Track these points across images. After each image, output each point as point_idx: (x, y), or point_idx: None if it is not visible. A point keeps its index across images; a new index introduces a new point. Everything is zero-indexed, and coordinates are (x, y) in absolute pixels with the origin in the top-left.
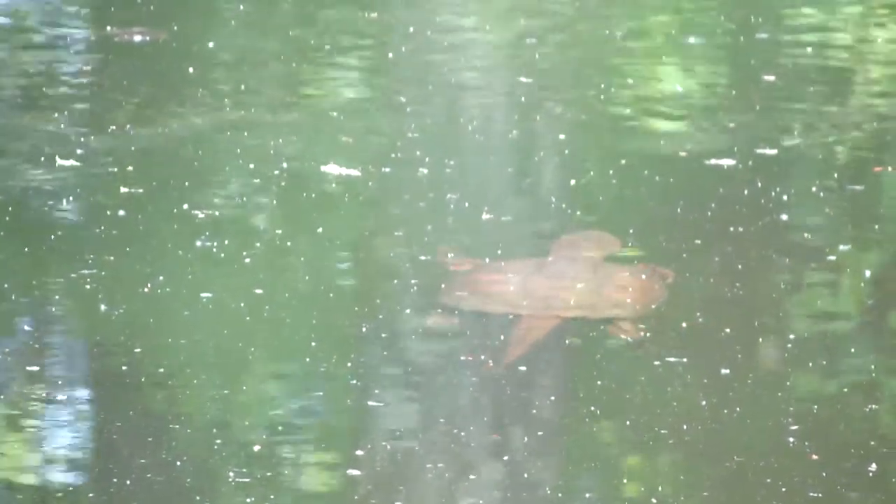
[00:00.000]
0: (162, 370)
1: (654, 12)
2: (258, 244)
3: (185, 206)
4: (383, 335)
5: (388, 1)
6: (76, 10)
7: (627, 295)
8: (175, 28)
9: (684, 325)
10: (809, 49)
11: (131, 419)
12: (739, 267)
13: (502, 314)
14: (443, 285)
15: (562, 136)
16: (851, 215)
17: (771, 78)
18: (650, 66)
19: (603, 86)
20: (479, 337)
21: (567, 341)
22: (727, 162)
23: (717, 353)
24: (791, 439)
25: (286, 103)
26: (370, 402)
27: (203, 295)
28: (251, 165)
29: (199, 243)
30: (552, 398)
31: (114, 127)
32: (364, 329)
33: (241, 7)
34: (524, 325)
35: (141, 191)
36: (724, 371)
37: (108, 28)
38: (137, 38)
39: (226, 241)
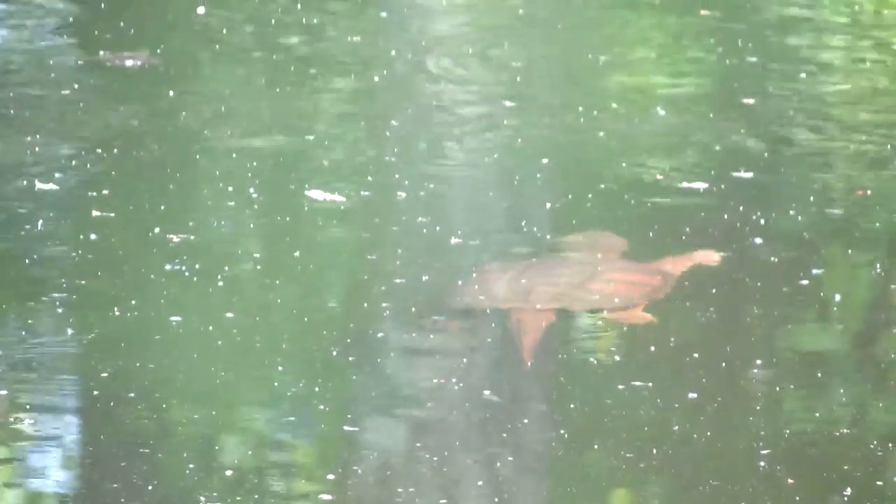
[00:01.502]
0: (132, 395)
1: (641, 36)
2: (231, 268)
3: (157, 230)
4: (361, 358)
5: (371, 26)
6: (61, 33)
7: (615, 289)
8: (159, 51)
9: (653, 348)
10: (803, 75)
11: (101, 443)
12: (713, 290)
13: (492, 309)
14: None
15: (545, 161)
16: (831, 239)
17: (751, 101)
18: (634, 91)
19: (582, 109)
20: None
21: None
22: (701, 185)
23: (689, 376)
24: (762, 463)
25: (268, 127)
26: (346, 427)
27: (173, 319)
28: (230, 188)
29: (168, 266)
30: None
31: (97, 150)
32: (338, 352)
33: (225, 31)
34: (514, 319)
35: (113, 215)
36: (692, 395)
37: (101, 53)
38: (129, 62)
39: (196, 266)
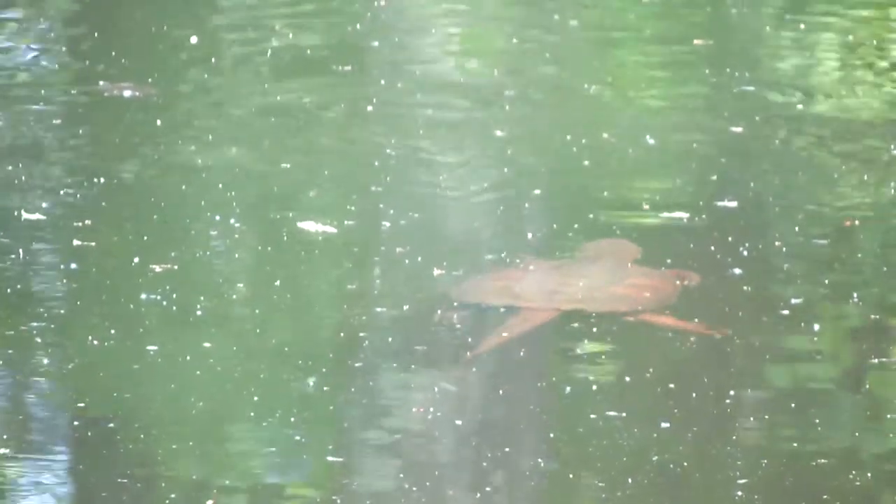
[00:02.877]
0: (112, 425)
1: (634, 66)
2: (212, 298)
3: (137, 260)
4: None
5: (362, 54)
6: (53, 62)
7: (633, 292)
8: (150, 80)
9: (628, 378)
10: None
11: (78, 473)
12: (695, 319)
13: (505, 307)
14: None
15: (537, 191)
16: (818, 269)
17: (738, 129)
18: (625, 120)
19: (570, 137)
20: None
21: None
22: (681, 215)
23: (663, 406)
24: (739, 493)
25: (255, 157)
26: (329, 458)
27: (150, 348)
28: (216, 218)
29: (146, 296)
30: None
31: (85, 179)
32: (315, 381)
33: (213, 60)
34: (521, 317)
35: (94, 244)
36: (665, 424)
37: (101, 83)
38: (127, 93)
39: (174, 295)
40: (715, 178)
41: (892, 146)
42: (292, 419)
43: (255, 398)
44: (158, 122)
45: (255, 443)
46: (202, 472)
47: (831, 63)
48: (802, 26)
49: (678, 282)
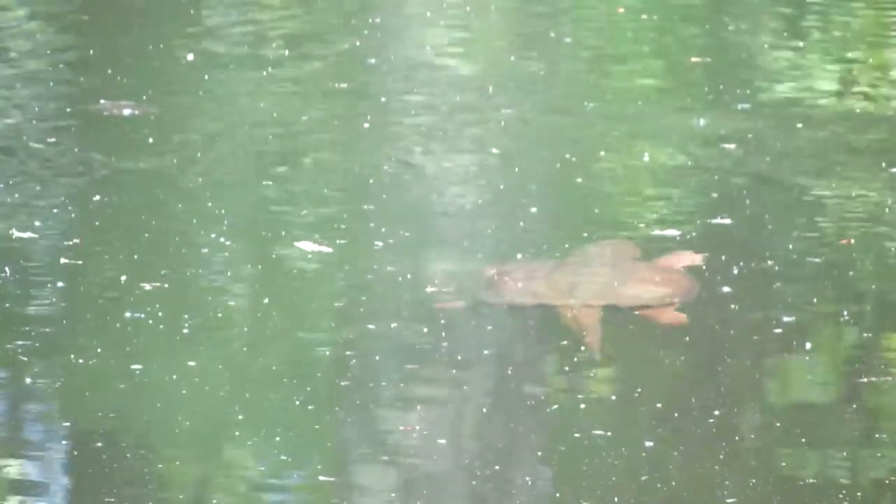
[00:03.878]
0: (100, 444)
1: (632, 81)
2: (200, 316)
3: (124, 278)
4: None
5: (359, 73)
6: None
7: (654, 285)
8: (144, 98)
9: (613, 397)
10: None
11: (59, 493)
12: (686, 339)
13: (531, 306)
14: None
15: (533, 210)
16: (812, 287)
17: (731, 146)
18: (622, 137)
19: (568, 155)
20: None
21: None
22: (673, 232)
23: (647, 425)
24: None
25: (248, 177)
26: (321, 478)
27: (135, 367)
28: (213, 236)
29: (138, 315)
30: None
31: (79, 197)
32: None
33: (206, 76)
34: (567, 317)
35: (80, 262)
36: (648, 444)
37: (101, 101)
38: (126, 111)
39: (160, 313)
40: (709, 195)
41: (884, 164)
42: (283, 438)
43: (247, 417)
44: (151, 140)
45: (247, 461)
46: (193, 492)
47: (828, 83)
48: (801, 44)
49: (684, 272)
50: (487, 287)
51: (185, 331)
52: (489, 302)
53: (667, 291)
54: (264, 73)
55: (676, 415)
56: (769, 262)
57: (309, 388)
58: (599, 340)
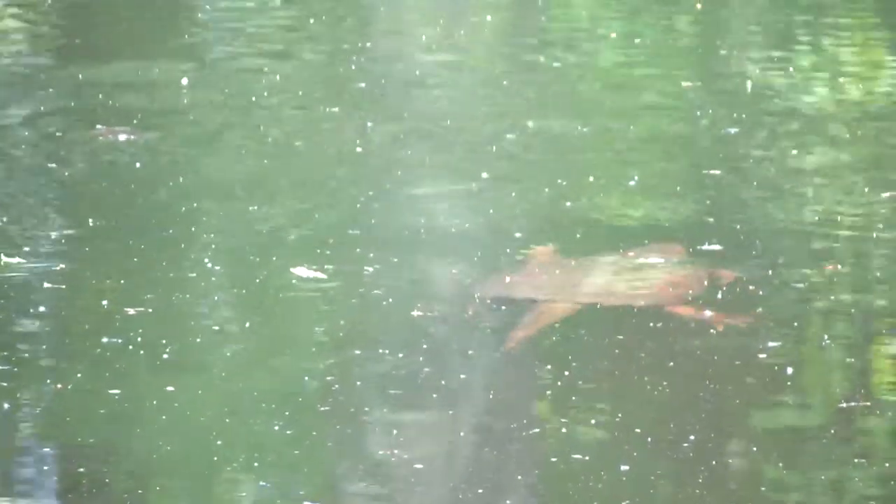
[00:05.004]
0: (82, 469)
1: (622, 106)
2: (180, 342)
3: (106, 303)
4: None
5: (349, 96)
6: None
7: (653, 286)
8: (135, 121)
9: (593, 421)
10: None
11: None
12: (671, 364)
13: (526, 300)
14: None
15: (518, 235)
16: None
17: (717, 172)
18: (611, 161)
19: (560, 181)
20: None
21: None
22: (656, 260)
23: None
24: None
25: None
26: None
27: (113, 392)
28: (200, 261)
29: (117, 340)
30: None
31: (71, 224)
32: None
33: (186, 91)
34: (539, 309)
35: (63, 287)
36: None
37: (97, 127)
38: (122, 137)
39: (139, 339)
40: (697, 221)
41: (869, 189)
42: (263, 464)
43: (227, 443)
44: (138, 165)
45: (228, 487)
46: None
47: (818, 106)
48: (791, 69)
49: (706, 280)
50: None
51: (165, 356)
52: (491, 295)
53: (663, 292)
54: (254, 98)
55: (652, 440)
56: (751, 287)
57: (289, 414)
58: (525, 336)
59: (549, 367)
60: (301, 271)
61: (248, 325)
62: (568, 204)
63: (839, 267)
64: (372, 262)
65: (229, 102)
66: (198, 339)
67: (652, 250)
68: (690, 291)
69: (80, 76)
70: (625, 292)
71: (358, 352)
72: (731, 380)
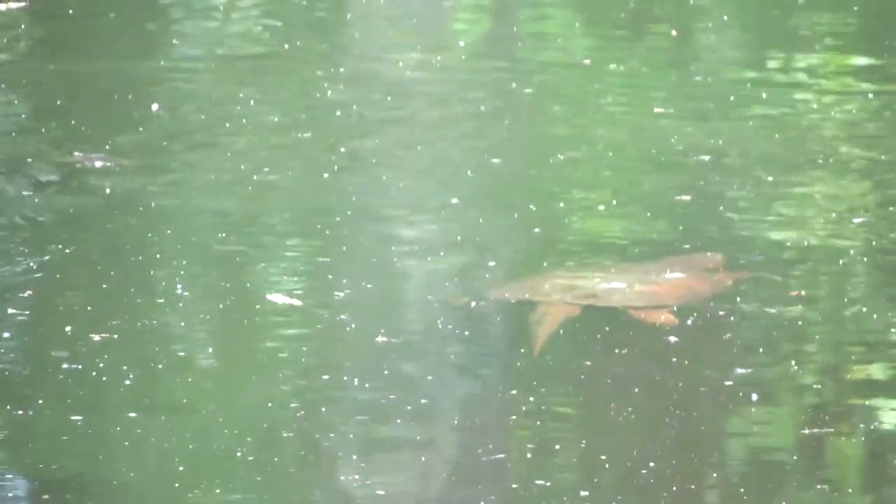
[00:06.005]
0: (48, 496)
1: (594, 132)
2: (143, 368)
3: (69, 329)
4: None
5: (325, 118)
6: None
7: (652, 288)
8: (107, 147)
9: (557, 447)
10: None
11: None
12: (636, 390)
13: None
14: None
15: (492, 263)
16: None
17: (686, 198)
18: (582, 186)
19: (531, 206)
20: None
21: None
22: (619, 286)
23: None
24: None
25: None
26: None
27: (75, 418)
28: (170, 287)
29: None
30: None
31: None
32: (243, 452)
33: (170, 126)
34: (538, 312)
35: (28, 313)
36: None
37: (75, 153)
38: (98, 163)
39: (101, 364)
40: (667, 249)
41: (835, 214)
42: (225, 490)
43: (189, 469)
44: (108, 191)
45: None
46: None
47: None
48: (764, 95)
49: (728, 282)
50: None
51: (128, 382)
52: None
53: (657, 296)
54: (227, 124)
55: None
56: (721, 312)
57: (251, 440)
58: (546, 338)
59: (514, 391)
60: (277, 298)
61: (211, 350)
62: (537, 230)
63: (802, 293)
64: (343, 288)
65: (202, 128)
66: (161, 366)
67: (689, 260)
68: (686, 295)
69: (57, 102)
70: (623, 295)
71: (326, 377)
72: (696, 406)
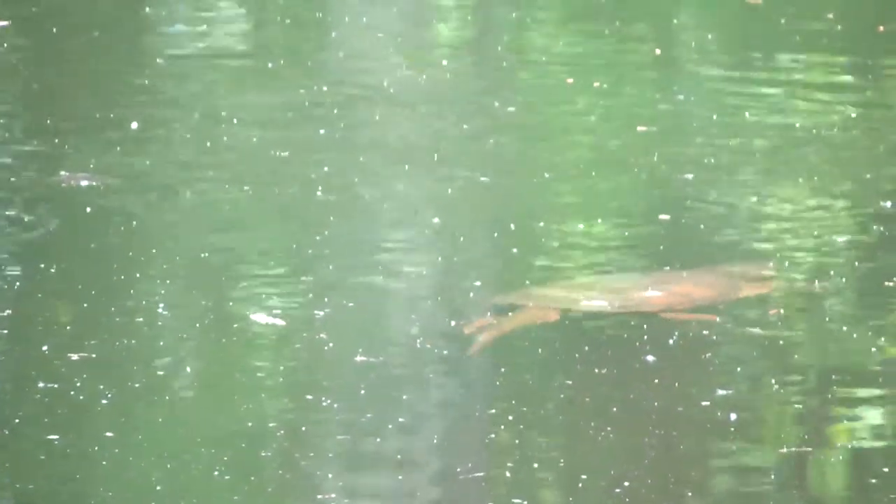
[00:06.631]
0: None
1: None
2: (118, 387)
3: (45, 349)
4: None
5: (303, 141)
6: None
7: (652, 295)
8: (91, 165)
9: (536, 465)
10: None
11: None
12: (613, 409)
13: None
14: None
15: (477, 283)
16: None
17: (666, 217)
18: (560, 207)
19: (512, 226)
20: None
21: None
22: (601, 303)
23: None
24: None
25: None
26: None
27: (51, 437)
28: (151, 306)
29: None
30: None
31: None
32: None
33: (151, 144)
34: (524, 312)
35: (6, 332)
36: None
37: (61, 173)
38: (84, 182)
39: (78, 384)
40: (644, 270)
41: (816, 232)
42: None
43: (167, 489)
44: (88, 210)
45: None
46: None
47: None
48: (747, 114)
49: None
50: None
51: (105, 401)
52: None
53: (669, 302)
54: (209, 143)
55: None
56: (704, 332)
57: (229, 460)
58: (489, 343)
59: (493, 410)
60: (260, 317)
61: (189, 370)
62: (514, 250)
63: (781, 311)
64: (324, 307)
65: (184, 147)
66: (138, 385)
67: (744, 267)
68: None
69: (42, 121)
70: (622, 300)
71: (306, 397)
72: (676, 426)
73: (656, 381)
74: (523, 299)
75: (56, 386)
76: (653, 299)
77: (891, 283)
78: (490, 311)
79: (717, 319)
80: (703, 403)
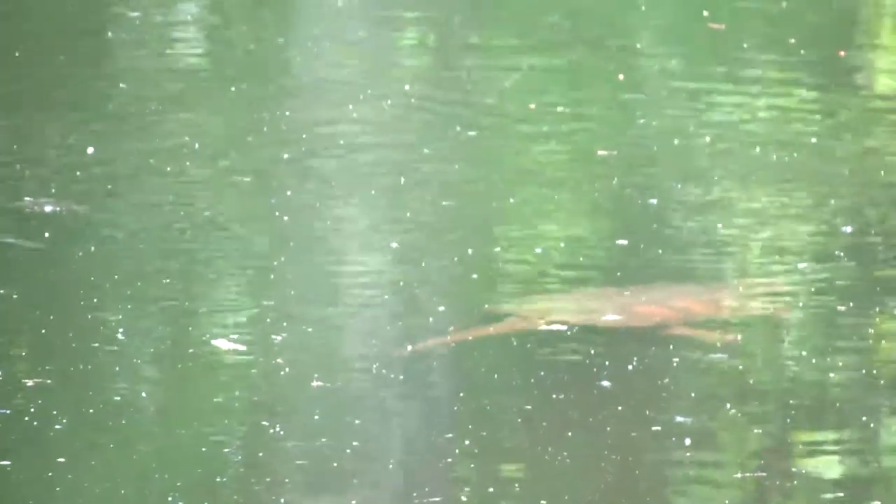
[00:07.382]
0: None
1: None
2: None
3: (0, 375)
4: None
5: (266, 165)
6: None
7: (652, 310)
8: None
9: (491, 490)
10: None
11: None
12: (569, 434)
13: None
14: None
15: (438, 302)
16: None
17: (624, 242)
18: (520, 234)
19: (470, 251)
20: None
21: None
22: (561, 327)
23: None
24: None
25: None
26: None
27: (3, 463)
28: (110, 331)
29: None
30: None
31: None
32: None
33: (113, 171)
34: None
35: None
36: None
37: (25, 199)
38: (48, 208)
39: (32, 409)
40: (606, 292)
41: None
42: None
43: None
44: (46, 234)
45: None
46: None
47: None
48: (708, 139)
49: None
50: None
51: (58, 427)
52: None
53: (668, 316)
54: (169, 168)
55: None
56: (673, 358)
57: (183, 485)
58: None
59: (450, 434)
60: (222, 343)
61: (145, 395)
62: (475, 276)
63: (738, 338)
64: (281, 332)
65: (146, 172)
66: (93, 410)
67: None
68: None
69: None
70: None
71: (262, 422)
72: (632, 451)
73: (616, 406)
74: (516, 309)
75: (8, 412)
76: (651, 313)
77: (845, 308)
78: (480, 321)
79: (739, 338)
80: (657, 428)
